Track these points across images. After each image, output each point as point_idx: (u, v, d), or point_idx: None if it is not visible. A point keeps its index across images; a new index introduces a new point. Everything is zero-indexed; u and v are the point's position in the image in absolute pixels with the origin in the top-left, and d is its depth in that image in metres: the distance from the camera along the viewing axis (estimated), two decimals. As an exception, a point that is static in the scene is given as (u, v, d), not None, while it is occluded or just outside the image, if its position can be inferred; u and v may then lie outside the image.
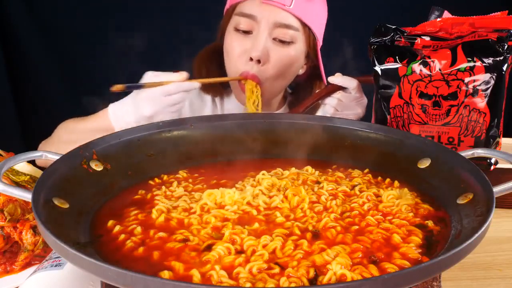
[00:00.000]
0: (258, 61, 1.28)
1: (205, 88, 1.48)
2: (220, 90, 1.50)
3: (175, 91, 1.10)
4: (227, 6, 1.38)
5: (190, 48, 1.47)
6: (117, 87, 1.12)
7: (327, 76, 1.33)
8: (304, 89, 1.50)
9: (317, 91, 1.47)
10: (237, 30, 1.30)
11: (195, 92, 1.46)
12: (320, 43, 1.39)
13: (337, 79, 1.29)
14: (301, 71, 1.45)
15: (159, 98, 1.12)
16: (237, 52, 1.31)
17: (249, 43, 1.29)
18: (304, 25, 1.30)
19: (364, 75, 1.31)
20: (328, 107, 1.31)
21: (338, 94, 1.30)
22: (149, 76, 1.18)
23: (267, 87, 1.34)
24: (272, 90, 1.38)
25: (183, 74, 1.14)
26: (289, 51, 1.31)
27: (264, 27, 1.27)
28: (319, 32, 1.37)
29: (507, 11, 1.08)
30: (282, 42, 1.30)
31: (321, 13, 1.37)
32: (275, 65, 1.31)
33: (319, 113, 1.53)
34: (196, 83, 1.13)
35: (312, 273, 0.64)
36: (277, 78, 1.34)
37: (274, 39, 1.29)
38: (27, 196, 0.69)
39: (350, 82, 1.28)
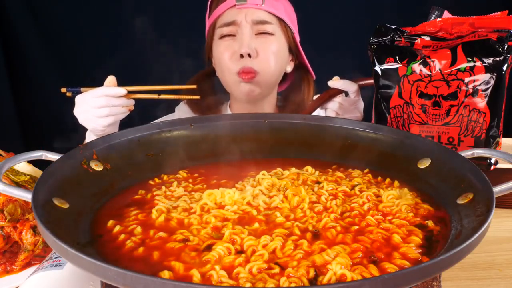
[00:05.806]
0: (249, 55, 1.36)
1: (199, 111, 1.53)
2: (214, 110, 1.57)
3: (98, 94, 1.16)
4: (207, 28, 1.49)
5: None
6: (62, 90, 1.22)
7: (326, 80, 1.35)
8: (294, 89, 1.56)
9: (305, 89, 1.53)
10: (222, 37, 1.41)
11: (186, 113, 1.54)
12: (297, 37, 1.49)
13: (338, 83, 1.32)
14: (289, 69, 1.51)
15: (88, 99, 1.17)
16: (228, 55, 1.40)
17: (236, 44, 1.39)
18: (279, 19, 1.42)
19: (363, 78, 1.32)
20: (330, 111, 1.35)
21: (338, 98, 1.33)
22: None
23: (263, 79, 1.40)
24: (267, 83, 1.43)
25: (109, 78, 1.19)
26: (272, 40, 1.41)
27: (245, 26, 1.38)
28: (294, 26, 1.47)
29: (507, 11, 1.08)
30: (264, 34, 1.40)
31: (289, 9, 1.47)
32: (265, 55, 1.39)
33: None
34: (121, 90, 1.16)
35: (312, 273, 0.64)
36: (269, 68, 1.41)
37: (256, 34, 1.40)
38: (27, 196, 0.69)
39: (350, 86, 1.32)
